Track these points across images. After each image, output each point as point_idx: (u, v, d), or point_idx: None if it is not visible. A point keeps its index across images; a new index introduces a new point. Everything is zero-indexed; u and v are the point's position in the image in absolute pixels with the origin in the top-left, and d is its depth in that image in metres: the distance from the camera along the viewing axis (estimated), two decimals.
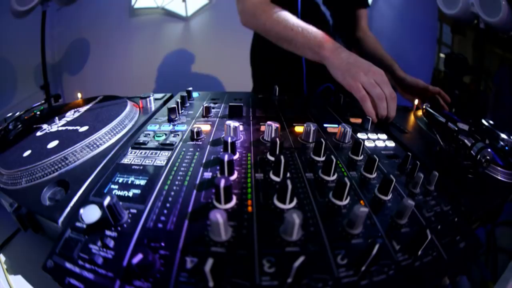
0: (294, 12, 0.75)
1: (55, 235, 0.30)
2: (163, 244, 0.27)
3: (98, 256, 0.26)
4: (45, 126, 0.53)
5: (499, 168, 0.47)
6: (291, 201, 0.32)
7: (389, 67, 0.87)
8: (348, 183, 0.32)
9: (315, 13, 0.85)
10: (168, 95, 0.76)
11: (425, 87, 0.80)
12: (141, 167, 0.39)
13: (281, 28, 0.70)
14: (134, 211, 0.31)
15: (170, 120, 0.55)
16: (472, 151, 0.45)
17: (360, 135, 0.53)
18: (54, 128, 0.51)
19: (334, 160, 0.36)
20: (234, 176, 0.37)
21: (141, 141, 0.46)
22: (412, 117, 0.70)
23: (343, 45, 0.67)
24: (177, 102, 0.58)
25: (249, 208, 0.31)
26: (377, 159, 0.38)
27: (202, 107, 0.60)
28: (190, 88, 0.71)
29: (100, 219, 0.30)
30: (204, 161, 0.41)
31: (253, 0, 0.76)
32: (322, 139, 0.41)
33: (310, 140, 0.47)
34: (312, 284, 0.24)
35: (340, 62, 0.61)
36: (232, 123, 0.46)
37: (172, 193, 0.34)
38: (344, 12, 0.93)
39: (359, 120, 0.60)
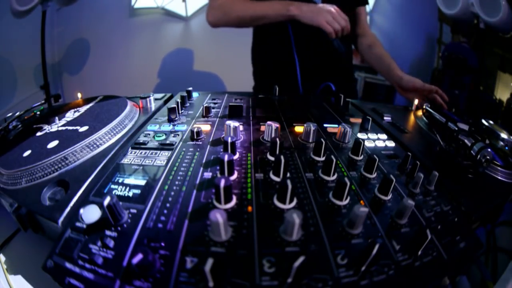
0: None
1: (55, 235, 0.30)
2: (163, 244, 0.27)
3: (98, 256, 0.26)
4: (45, 126, 0.53)
5: (499, 168, 0.47)
6: (291, 201, 0.32)
7: (387, 66, 0.90)
8: (348, 183, 0.32)
9: None
10: (168, 95, 0.76)
11: (422, 86, 0.81)
12: (141, 167, 0.39)
13: (252, 12, 0.84)
14: (134, 211, 0.31)
15: (170, 120, 0.55)
16: (472, 151, 0.45)
17: (360, 135, 0.53)
18: (54, 128, 0.51)
19: (334, 160, 0.36)
20: (234, 176, 0.37)
21: (141, 141, 0.46)
22: (412, 117, 0.70)
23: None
24: (177, 102, 0.58)
25: (249, 208, 0.31)
26: (377, 159, 0.38)
27: (202, 107, 0.60)
28: (190, 88, 0.71)
29: (100, 219, 0.30)
30: (204, 161, 0.41)
31: (219, 1, 0.88)
32: (322, 139, 0.41)
33: (310, 140, 0.47)
34: (312, 284, 0.24)
35: (306, 10, 0.78)
36: (232, 123, 0.46)
37: (172, 193, 0.34)
38: (343, 12, 0.94)
39: (359, 120, 0.60)
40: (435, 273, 0.28)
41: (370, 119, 0.56)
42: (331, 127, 0.55)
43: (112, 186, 0.35)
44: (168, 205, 0.32)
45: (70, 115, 0.57)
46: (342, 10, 0.92)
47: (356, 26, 1.00)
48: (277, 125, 0.46)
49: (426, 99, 0.79)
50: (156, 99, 0.71)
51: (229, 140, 0.40)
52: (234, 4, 0.87)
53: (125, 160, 0.41)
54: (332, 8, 0.76)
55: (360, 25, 1.00)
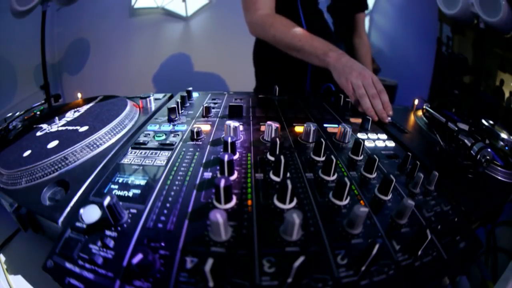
0: (296, 20, 0.81)
1: (55, 235, 0.30)
2: (163, 244, 0.27)
3: (98, 256, 0.26)
4: (45, 126, 0.53)
5: (499, 168, 0.47)
6: (291, 201, 0.32)
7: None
8: (348, 183, 0.32)
9: (319, 21, 0.87)
10: (168, 95, 0.76)
11: None
12: (141, 167, 0.39)
13: (289, 39, 0.77)
14: (134, 211, 0.31)
15: (170, 120, 0.55)
16: (472, 151, 0.45)
17: (360, 135, 0.53)
18: (54, 128, 0.51)
19: (334, 160, 0.36)
20: (234, 176, 0.37)
21: (141, 141, 0.46)
22: (412, 117, 0.70)
23: (344, 49, 0.71)
24: (177, 102, 0.58)
25: (249, 208, 0.31)
26: (377, 159, 0.38)
27: (202, 107, 0.60)
28: (190, 88, 0.71)
29: (100, 219, 0.30)
30: (204, 161, 0.41)
31: (260, 12, 0.81)
32: (322, 139, 0.41)
33: (310, 140, 0.47)
34: (312, 284, 0.24)
35: (340, 65, 0.69)
36: (232, 123, 0.46)
37: (172, 193, 0.34)
38: (346, 18, 0.96)
39: (359, 120, 0.60)
40: (435, 273, 0.28)
41: (370, 119, 0.56)
42: (331, 127, 0.55)
43: (112, 186, 0.35)
44: (168, 205, 0.32)
45: (70, 115, 0.57)
46: (344, 17, 0.93)
47: (354, 32, 1.03)
48: (277, 125, 0.46)
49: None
50: (156, 99, 0.71)
51: (229, 140, 0.40)
52: (275, 21, 0.79)
53: (125, 160, 0.41)
54: (368, 74, 0.65)
55: (358, 34, 1.03)
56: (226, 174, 0.36)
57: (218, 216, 0.26)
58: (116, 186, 0.35)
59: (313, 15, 0.87)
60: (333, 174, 0.37)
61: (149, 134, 0.49)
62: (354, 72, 0.66)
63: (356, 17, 1.01)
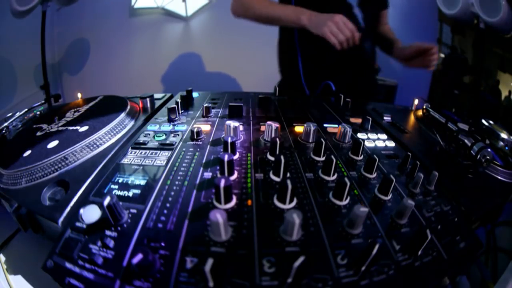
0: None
1: (55, 235, 0.30)
2: (163, 244, 0.27)
3: (98, 256, 0.26)
4: (45, 126, 0.53)
5: (499, 168, 0.47)
6: (291, 201, 0.32)
7: (392, 40, 1.01)
8: (348, 183, 0.32)
9: (348, 15, 0.89)
10: (168, 95, 0.76)
11: (422, 44, 0.85)
12: (141, 167, 0.39)
13: (266, 12, 0.88)
14: (134, 211, 0.31)
15: (170, 120, 0.55)
16: (472, 151, 0.45)
17: (360, 135, 0.53)
18: (54, 128, 0.51)
19: (334, 160, 0.36)
20: (234, 176, 0.37)
21: (141, 141, 0.46)
22: (412, 117, 0.70)
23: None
24: (177, 102, 0.58)
25: (249, 208, 0.31)
26: (377, 159, 0.38)
27: (202, 107, 0.60)
28: (190, 88, 0.71)
29: (100, 219, 0.30)
30: (204, 161, 0.41)
31: None
32: (322, 139, 0.41)
33: (310, 140, 0.47)
34: (312, 284, 0.24)
35: (315, 20, 0.78)
36: (232, 123, 0.46)
37: (172, 193, 0.34)
38: (373, 14, 0.99)
39: (359, 120, 0.60)
40: (435, 273, 0.28)
41: (370, 119, 0.56)
42: (331, 127, 0.55)
43: (112, 186, 0.35)
44: (168, 205, 0.32)
45: (70, 115, 0.57)
46: (366, 15, 0.96)
47: (377, 27, 1.06)
48: (277, 125, 0.46)
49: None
50: (156, 99, 0.71)
51: (229, 140, 0.40)
52: (254, 0, 0.90)
53: (125, 160, 0.41)
54: (338, 18, 0.75)
55: (381, 26, 1.06)
56: (226, 174, 0.36)
57: (218, 216, 0.26)
58: (116, 186, 0.35)
59: (342, 9, 0.89)
60: (333, 174, 0.37)
61: (149, 134, 0.49)
62: (326, 19, 0.74)
63: (381, 13, 1.06)
